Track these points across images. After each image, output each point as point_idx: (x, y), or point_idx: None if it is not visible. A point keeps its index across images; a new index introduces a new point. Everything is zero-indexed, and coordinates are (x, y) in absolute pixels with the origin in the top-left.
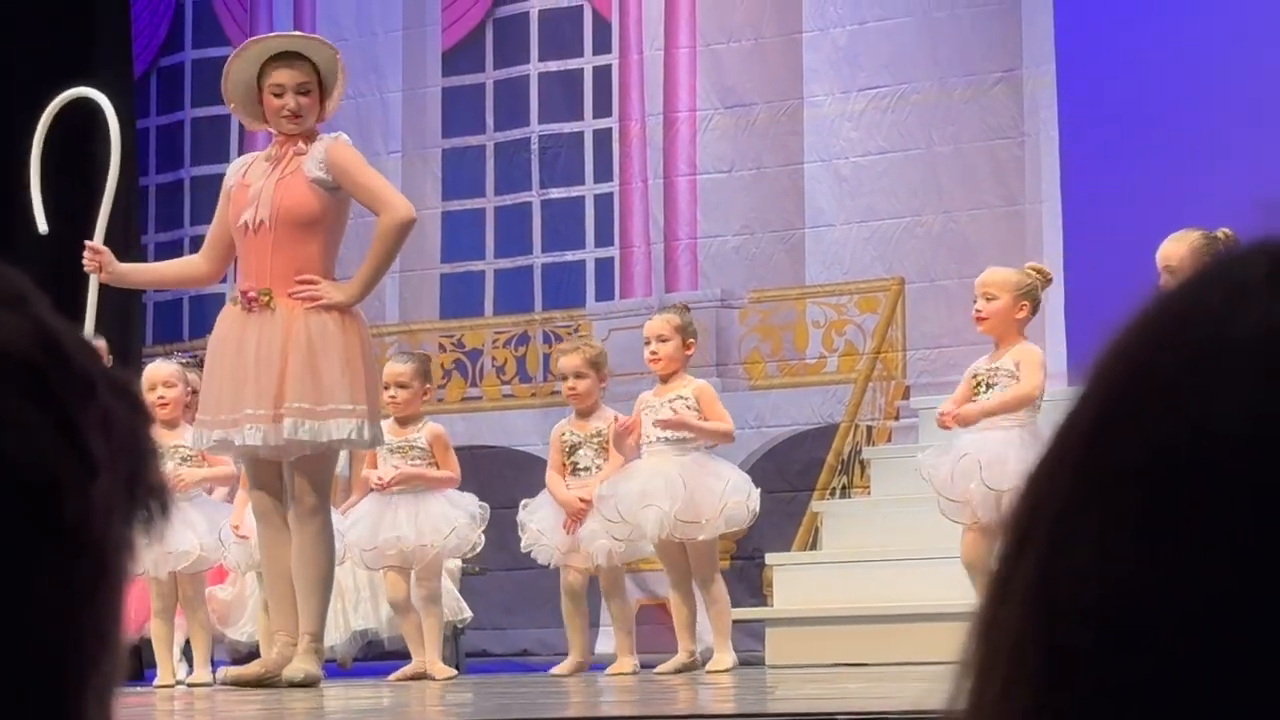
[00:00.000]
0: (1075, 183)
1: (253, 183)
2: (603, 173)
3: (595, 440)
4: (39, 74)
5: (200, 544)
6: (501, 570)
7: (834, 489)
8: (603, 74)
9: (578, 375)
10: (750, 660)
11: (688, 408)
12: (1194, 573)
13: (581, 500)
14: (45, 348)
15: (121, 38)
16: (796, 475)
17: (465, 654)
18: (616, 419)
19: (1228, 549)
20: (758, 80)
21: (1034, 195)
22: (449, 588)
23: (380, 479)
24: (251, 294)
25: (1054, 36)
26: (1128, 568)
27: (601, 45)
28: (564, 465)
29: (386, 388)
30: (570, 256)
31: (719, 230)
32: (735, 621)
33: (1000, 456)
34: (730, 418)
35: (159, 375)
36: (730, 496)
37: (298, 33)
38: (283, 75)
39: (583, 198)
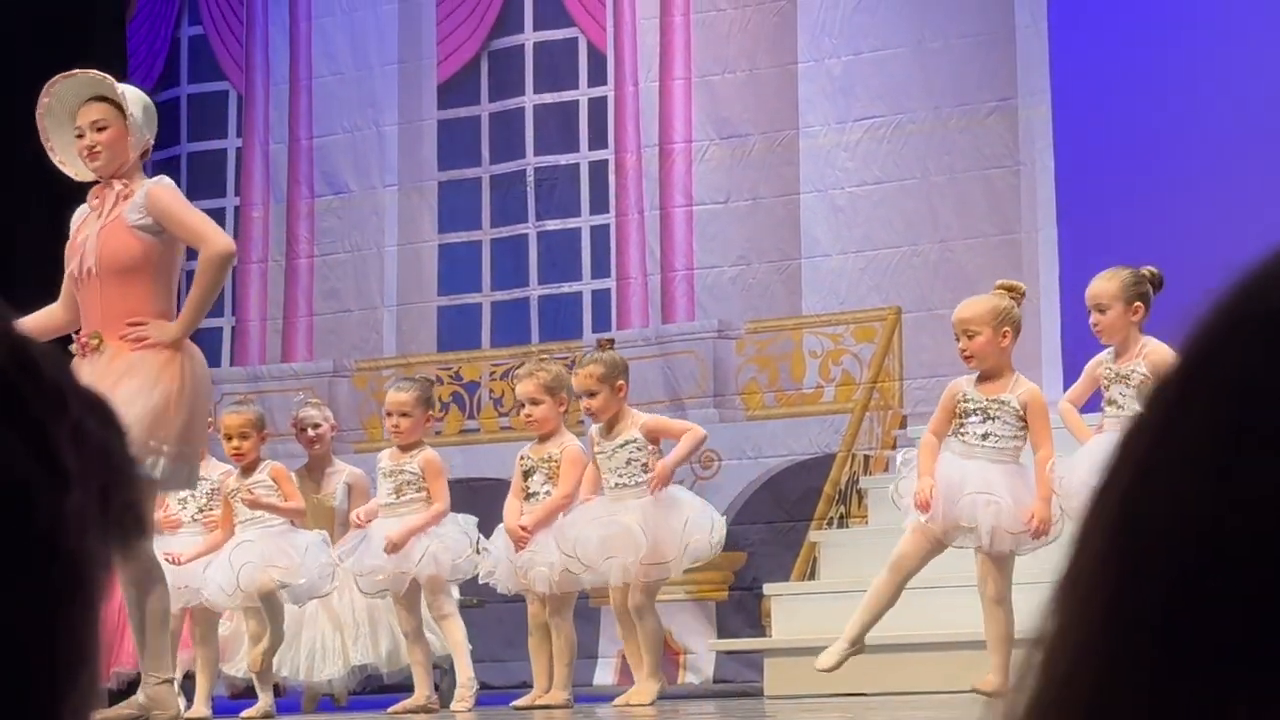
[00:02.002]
0: (1071, 211)
1: (82, 231)
2: (599, 204)
3: (547, 465)
4: (34, 110)
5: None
6: (500, 602)
7: (831, 519)
8: (598, 106)
9: (533, 401)
10: (749, 691)
11: (638, 449)
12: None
13: (522, 528)
14: (15, 360)
15: (118, 72)
16: (794, 505)
17: None
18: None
19: None
20: (753, 111)
21: (1030, 224)
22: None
23: (358, 517)
24: (83, 339)
25: (1049, 66)
26: (1209, 510)
27: (597, 77)
28: (522, 490)
29: (389, 415)
30: (567, 288)
31: (715, 261)
32: (734, 652)
33: (1002, 490)
34: (686, 422)
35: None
36: (691, 535)
37: (91, 73)
38: (81, 117)
39: (579, 229)
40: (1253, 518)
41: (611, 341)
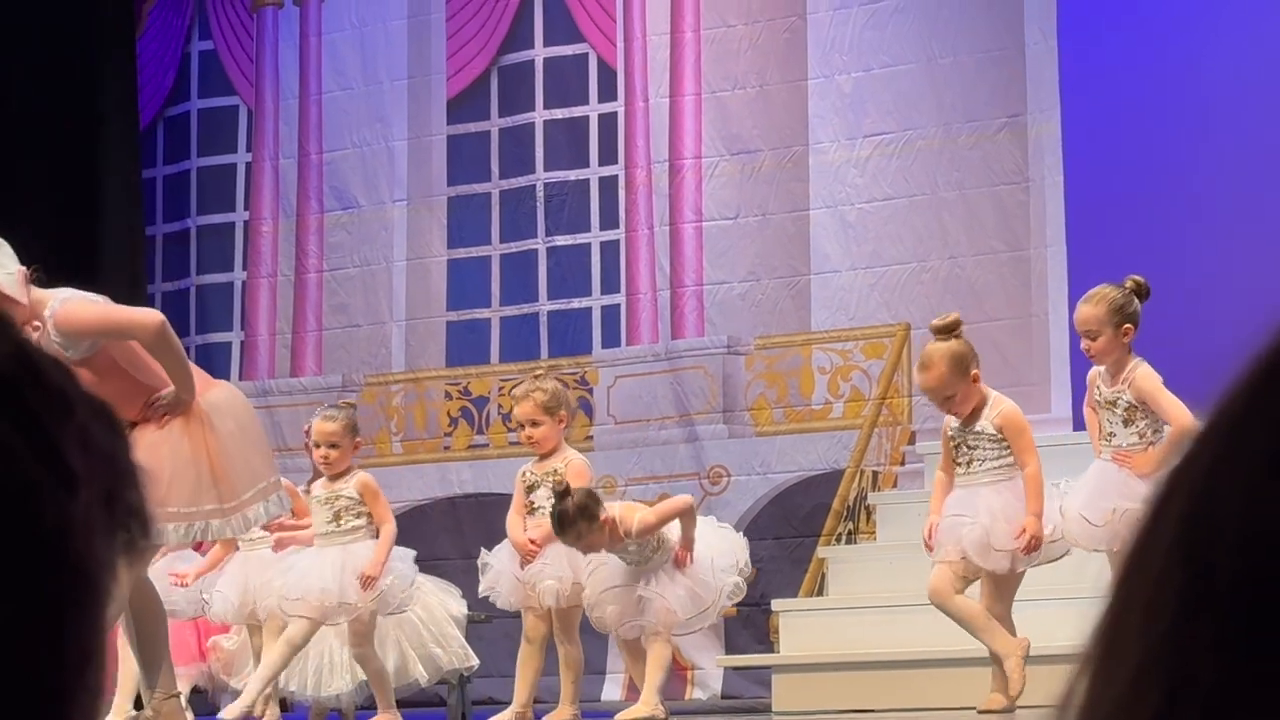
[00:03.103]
0: (1080, 227)
1: None
2: (609, 220)
3: (550, 479)
4: (47, 124)
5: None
6: (507, 617)
7: (840, 535)
8: (608, 121)
9: (533, 423)
10: (757, 707)
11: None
12: None
13: (533, 542)
14: (22, 366)
15: (128, 87)
16: (802, 521)
17: (472, 702)
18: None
19: None
20: (763, 127)
21: (1039, 240)
22: (455, 634)
23: (368, 575)
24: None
25: (1058, 82)
26: (1271, 506)
27: (607, 93)
28: (524, 506)
29: (317, 447)
30: (576, 304)
31: (725, 277)
32: (742, 668)
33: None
34: (668, 504)
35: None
36: (723, 579)
37: None
38: None
39: (589, 245)
40: None
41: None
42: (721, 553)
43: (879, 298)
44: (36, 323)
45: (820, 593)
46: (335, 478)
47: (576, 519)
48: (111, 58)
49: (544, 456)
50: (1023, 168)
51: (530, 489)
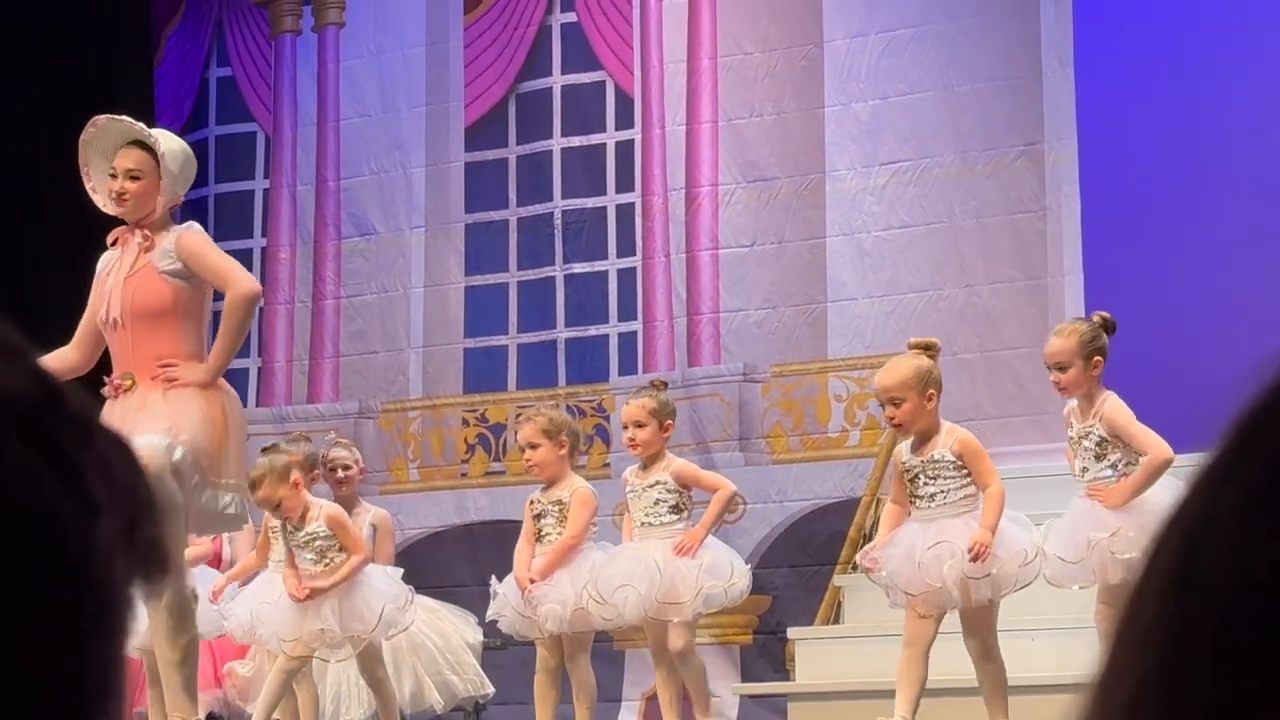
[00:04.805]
0: (1097, 256)
1: (108, 279)
2: (625, 247)
3: (557, 509)
4: (63, 151)
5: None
6: (523, 645)
7: (856, 563)
8: (625, 149)
9: (531, 445)
10: None
11: (667, 491)
12: None
13: (531, 580)
14: (45, 393)
15: (146, 114)
16: (818, 549)
17: None
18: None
19: None
20: (779, 155)
21: (1056, 269)
22: (471, 662)
23: (294, 592)
24: (115, 381)
25: (1075, 110)
26: (1264, 558)
27: (624, 120)
28: (534, 533)
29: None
30: (594, 331)
31: (741, 304)
32: (757, 696)
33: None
34: (720, 477)
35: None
36: (705, 580)
37: (139, 124)
38: (119, 160)
39: (606, 272)
40: None
41: (665, 384)
42: (718, 561)
43: (895, 325)
44: (146, 232)
45: (836, 621)
46: (300, 521)
47: (668, 401)
48: (130, 84)
49: (550, 484)
50: (1040, 195)
51: (538, 517)
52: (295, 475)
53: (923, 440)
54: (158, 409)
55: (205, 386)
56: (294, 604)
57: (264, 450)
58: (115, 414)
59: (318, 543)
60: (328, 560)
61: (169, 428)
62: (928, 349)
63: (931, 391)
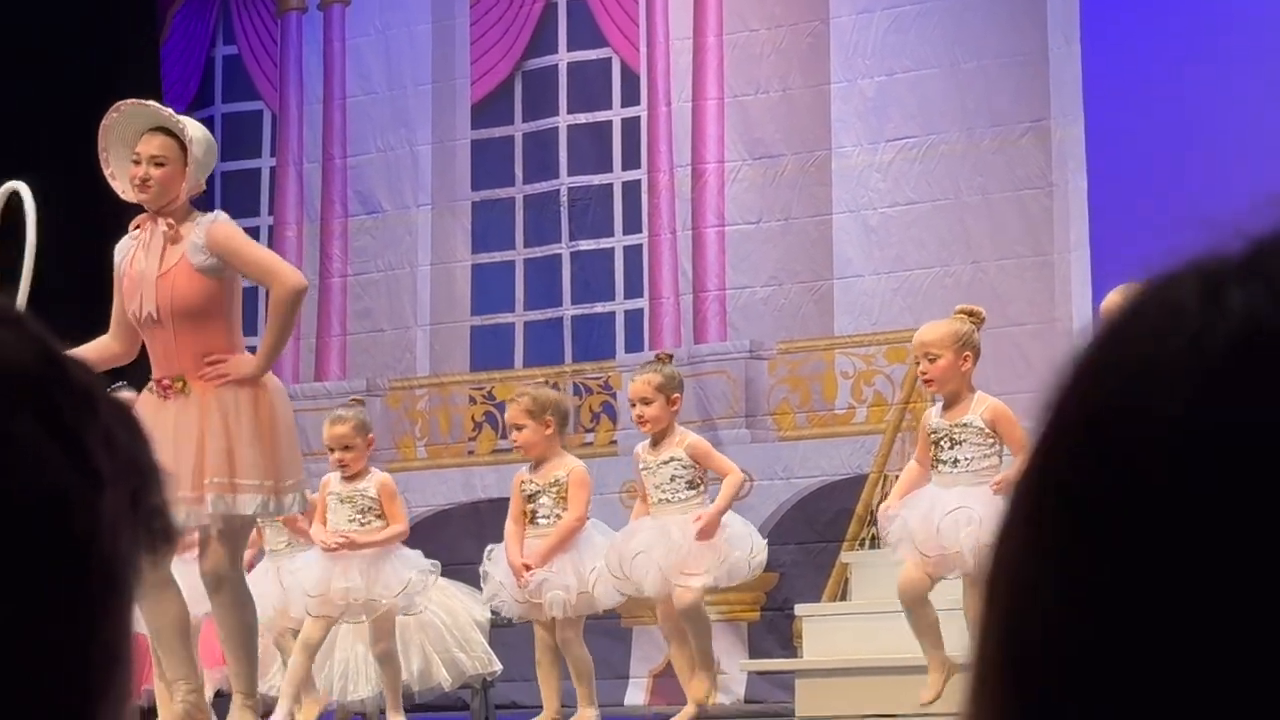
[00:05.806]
0: (1103, 232)
1: (133, 269)
2: (632, 224)
3: (554, 489)
4: (68, 130)
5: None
6: (531, 621)
7: (863, 540)
8: (631, 126)
9: (516, 426)
10: (780, 712)
11: (683, 467)
12: (1144, 597)
13: (526, 567)
14: (48, 364)
15: (152, 93)
16: (825, 526)
17: (495, 706)
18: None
19: (1181, 568)
20: (786, 131)
21: (1062, 245)
22: (478, 639)
23: (324, 541)
24: (166, 382)
25: (1082, 87)
26: (1081, 609)
27: (630, 97)
28: (524, 514)
29: (331, 450)
30: (600, 308)
31: (747, 281)
32: (765, 673)
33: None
34: (730, 462)
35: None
36: (727, 550)
37: (165, 109)
38: (143, 145)
39: (612, 249)
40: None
41: (670, 356)
42: (740, 534)
43: (902, 302)
44: (171, 221)
45: (843, 597)
46: (353, 478)
47: (673, 373)
48: (135, 63)
49: (540, 463)
50: (1046, 172)
51: (531, 498)
52: (371, 435)
53: (951, 404)
54: (237, 453)
55: (253, 383)
56: (323, 561)
57: (352, 400)
58: (166, 416)
59: (363, 501)
60: (366, 522)
61: (258, 484)
62: (972, 315)
63: (968, 354)
